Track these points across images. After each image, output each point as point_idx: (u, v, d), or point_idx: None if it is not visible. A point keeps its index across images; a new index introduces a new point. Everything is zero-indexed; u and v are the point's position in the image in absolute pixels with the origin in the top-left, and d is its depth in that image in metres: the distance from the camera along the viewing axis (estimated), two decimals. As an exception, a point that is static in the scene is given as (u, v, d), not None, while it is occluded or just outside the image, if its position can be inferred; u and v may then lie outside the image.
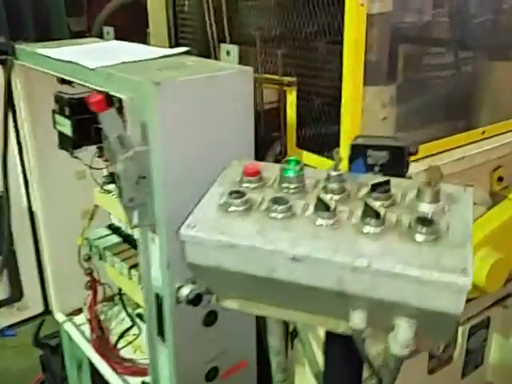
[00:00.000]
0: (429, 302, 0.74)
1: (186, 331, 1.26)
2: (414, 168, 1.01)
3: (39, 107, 1.65)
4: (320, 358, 1.17)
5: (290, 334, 1.50)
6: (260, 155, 1.44)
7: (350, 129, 1.27)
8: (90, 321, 1.77)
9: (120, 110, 1.33)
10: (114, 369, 1.65)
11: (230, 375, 1.40)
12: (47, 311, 1.88)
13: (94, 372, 1.75)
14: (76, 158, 1.53)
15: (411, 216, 0.80)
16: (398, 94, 1.43)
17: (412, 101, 1.52)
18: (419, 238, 0.77)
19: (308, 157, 1.44)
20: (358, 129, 1.28)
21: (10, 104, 1.64)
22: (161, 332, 1.26)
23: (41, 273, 1.85)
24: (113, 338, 1.77)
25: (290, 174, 0.90)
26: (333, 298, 0.80)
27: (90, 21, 2.30)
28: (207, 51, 1.63)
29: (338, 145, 1.30)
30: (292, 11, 1.52)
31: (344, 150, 1.13)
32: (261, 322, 1.37)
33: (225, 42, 1.60)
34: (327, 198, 0.85)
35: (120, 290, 1.76)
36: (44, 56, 1.43)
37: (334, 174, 0.88)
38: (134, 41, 1.63)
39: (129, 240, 1.63)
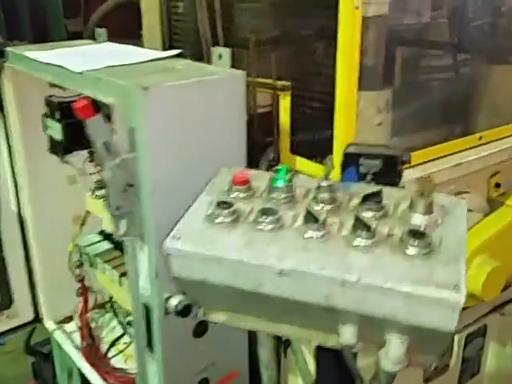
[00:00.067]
0: (420, 318, 0.71)
1: (175, 342, 1.23)
2: (409, 175, 0.99)
3: (30, 111, 1.61)
4: (313, 368, 1.15)
5: (284, 343, 1.48)
6: (253, 161, 1.41)
7: (343, 135, 1.25)
8: (80, 328, 1.73)
9: (108, 117, 1.31)
10: (104, 378, 1.61)
11: (221, 386, 1.37)
12: (37, 319, 1.85)
13: (85, 381, 1.72)
14: (66, 162, 1.51)
15: (403, 228, 0.77)
16: (394, 99, 1.41)
17: (408, 106, 1.50)
18: (411, 251, 0.74)
19: (302, 163, 1.41)
20: (352, 135, 1.26)
21: None
22: (149, 343, 1.23)
23: (31, 280, 1.81)
24: (104, 347, 1.74)
25: (280, 183, 0.87)
26: (322, 312, 0.78)
27: (87, 22, 2.28)
28: (201, 53, 1.61)
29: (332, 151, 1.27)
30: (287, 14, 1.49)
31: (337, 157, 1.10)
32: (252, 333, 1.35)
33: (218, 44, 1.57)
34: (317, 209, 0.83)
35: (111, 297, 1.73)
36: (32, 59, 1.41)
37: (324, 183, 0.85)
38: (127, 42, 1.60)
39: (120, 247, 1.59)
